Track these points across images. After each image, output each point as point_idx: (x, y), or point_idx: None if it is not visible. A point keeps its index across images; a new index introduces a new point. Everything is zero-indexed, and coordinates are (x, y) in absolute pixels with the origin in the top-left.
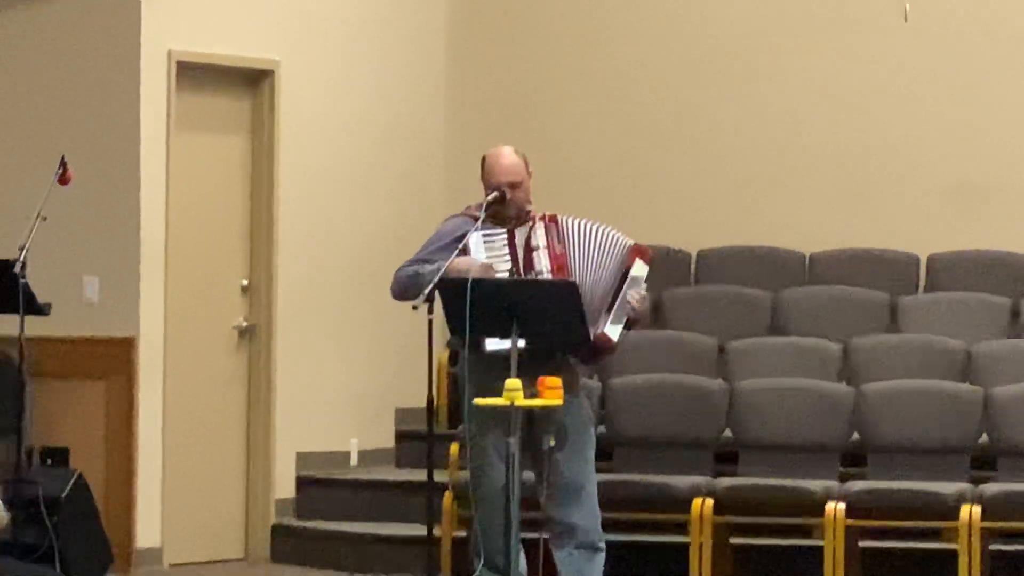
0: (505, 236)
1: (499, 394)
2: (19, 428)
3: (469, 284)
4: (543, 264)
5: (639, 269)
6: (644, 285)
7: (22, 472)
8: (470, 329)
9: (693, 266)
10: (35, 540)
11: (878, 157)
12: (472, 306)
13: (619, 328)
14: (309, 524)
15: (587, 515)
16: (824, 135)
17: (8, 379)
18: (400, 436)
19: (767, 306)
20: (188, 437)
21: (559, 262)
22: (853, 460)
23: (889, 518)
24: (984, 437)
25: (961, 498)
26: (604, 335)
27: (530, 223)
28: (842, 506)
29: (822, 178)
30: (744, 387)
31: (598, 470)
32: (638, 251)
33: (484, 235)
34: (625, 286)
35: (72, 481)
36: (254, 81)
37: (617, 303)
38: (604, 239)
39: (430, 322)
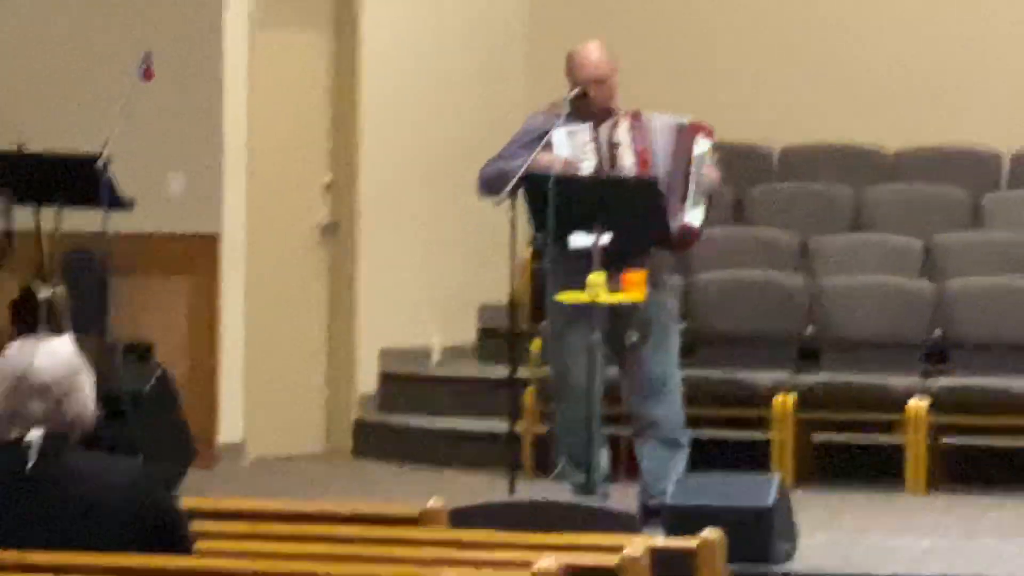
0: (589, 132)
1: (582, 290)
2: (102, 324)
3: (552, 181)
4: (627, 161)
5: (702, 146)
6: (713, 156)
7: (105, 368)
8: (553, 226)
9: (776, 163)
10: (118, 435)
11: (962, 53)
12: (555, 203)
13: (700, 211)
14: (391, 419)
15: (670, 410)
16: (907, 31)
17: (92, 275)
18: (482, 332)
19: (850, 203)
20: (271, 333)
21: (643, 158)
22: (936, 357)
23: (972, 415)
24: None
25: None
26: (687, 225)
27: (614, 119)
28: (924, 403)
29: (905, 74)
30: (826, 284)
31: (680, 366)
32: (696, 128)
33: (568, 131)
34: (693, 167)
35: (155, 377)
36: None
37: (691, 187)
38: (666, 126)
39: (512, 218)
